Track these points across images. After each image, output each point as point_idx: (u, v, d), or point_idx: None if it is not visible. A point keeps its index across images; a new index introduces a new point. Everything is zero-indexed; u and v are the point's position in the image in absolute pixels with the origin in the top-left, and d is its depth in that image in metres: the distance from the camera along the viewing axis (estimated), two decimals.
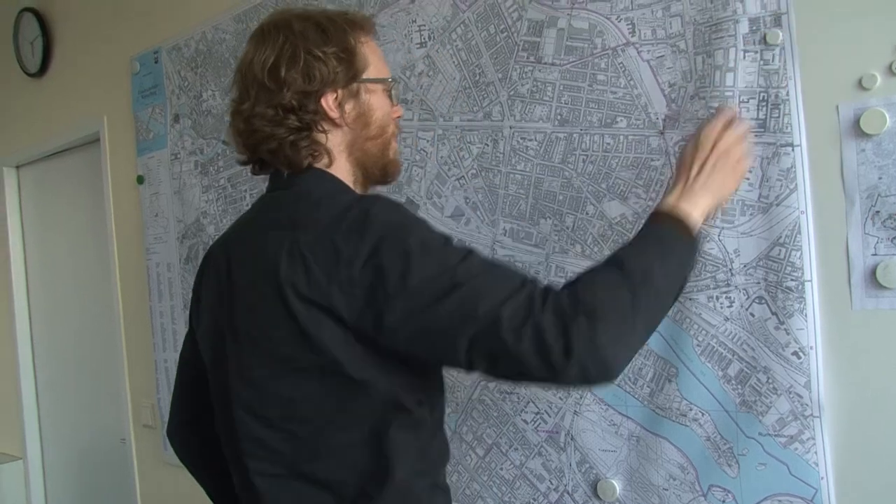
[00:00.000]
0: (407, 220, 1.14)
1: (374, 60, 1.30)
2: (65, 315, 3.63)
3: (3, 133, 3.86)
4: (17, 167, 3.86)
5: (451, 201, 1.88)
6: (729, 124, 1.24)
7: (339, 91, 1.25)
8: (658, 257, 1.10)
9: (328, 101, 1.24)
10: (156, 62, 2.77)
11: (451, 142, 1.87)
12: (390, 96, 1.33)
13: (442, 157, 1.88)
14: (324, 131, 1.25)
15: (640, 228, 1.19)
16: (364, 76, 1.27)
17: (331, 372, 1.15)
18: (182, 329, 2.70)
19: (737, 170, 1.24)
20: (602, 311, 1.01)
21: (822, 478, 1.40)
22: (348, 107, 1.26)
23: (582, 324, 1.00)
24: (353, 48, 1.26)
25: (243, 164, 1.33)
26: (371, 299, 1.09)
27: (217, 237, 1.45)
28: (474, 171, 1.82)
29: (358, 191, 1.30)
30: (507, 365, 1.05)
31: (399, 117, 1.36)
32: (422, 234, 1.12)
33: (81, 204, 3.42)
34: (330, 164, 1.27)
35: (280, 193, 1.29)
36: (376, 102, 1.29)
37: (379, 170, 1.33)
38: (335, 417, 1.18)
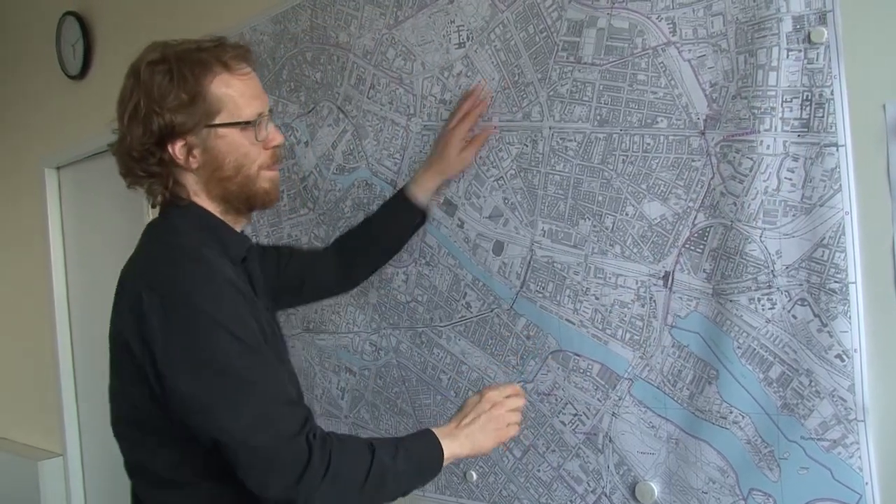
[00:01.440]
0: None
1: (232, 101, 1.32)
2: (104, 313, 3.61)
3: (45, 134, 3.92)
4: (58, 168, 3.92)
5: (489, 202, 1.88)
6: (513, 393, 1.48)
7: (185, 138, 1.30)
8: (404, 463, 1.31)
9: (175, 149, 1.30)
10: None
11: (489, 142, 1.87)
12: (257, 132, 1.35)
13: (481, 158, 1.88)
14: (175, 175, 1.33)
15: (415, 431, 1.43)
16: (216, 120, 1.30)
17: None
18: None
19: (499, 435, 1.44)
20: (337, 476, 1.23)
21: (866, 483, 1.38)
22: (196, 152, 1.31)
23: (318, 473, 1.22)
24: (201, 93, 1.29)
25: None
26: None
27: None
28: (513, 172, 1.82)
29: (230, 218, 1.40)
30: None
31: (278, 145, 1.40)
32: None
33: (120, 205, 3.45)
34: (191, 198, 1.36)
35: (157, 223, 1.40)
36: (227, 146, 1.32)
37: (243, 203, 1.39)
38: None
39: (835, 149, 1.38)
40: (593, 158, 1.69)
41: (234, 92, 1.32)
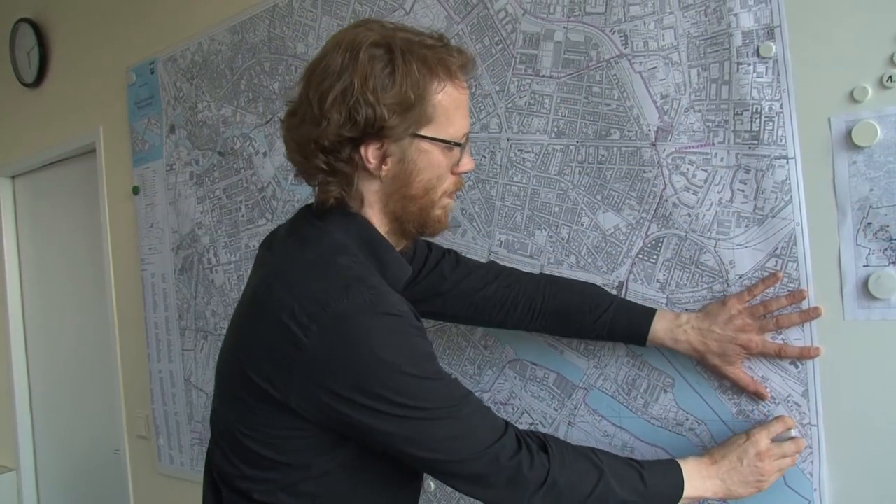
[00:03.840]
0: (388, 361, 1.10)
1: (445, 114, 1.16)
2: (59, 325, 3.63)
3: None
4: (13, 177, 3.86)
5: None
6: (784, 428, 1.39)
7: (385, 142, 1.14)
8: (631, 494, 1.21)
9: (367, 150, 1.14)
10: (152, 73, 2.77)
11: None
12: (459, 153, 1.21)
13: None
14: (358, 179, 1.17)
15: (664, 459, 1.34)
16: (422, 131, 1.15)
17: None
18: (177, 339, 2.70)
19: (758, 484, 1.33)
20: (560, 496, 1.17)
21: (814, 489, 1.40)
22: (391, 160, 1.16)
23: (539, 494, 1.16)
24: (420, 98, 1.12)
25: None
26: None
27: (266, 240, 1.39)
28: (471, 183, 1.83)
29: (392, 239, 1.24)
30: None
31: (467, 171, 1.25)
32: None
33: (77, 214, 3.42)
34: (360, 208, 1.20)
35: (307, 230, 1.23)
36: (426, 162, 1.17)
37: (416, 227, 1.23)
38: None
39: (785, 161, 1.41)
40: (550, 170, 1.70)
41: (450, 105, 1.16)
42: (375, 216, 1.21)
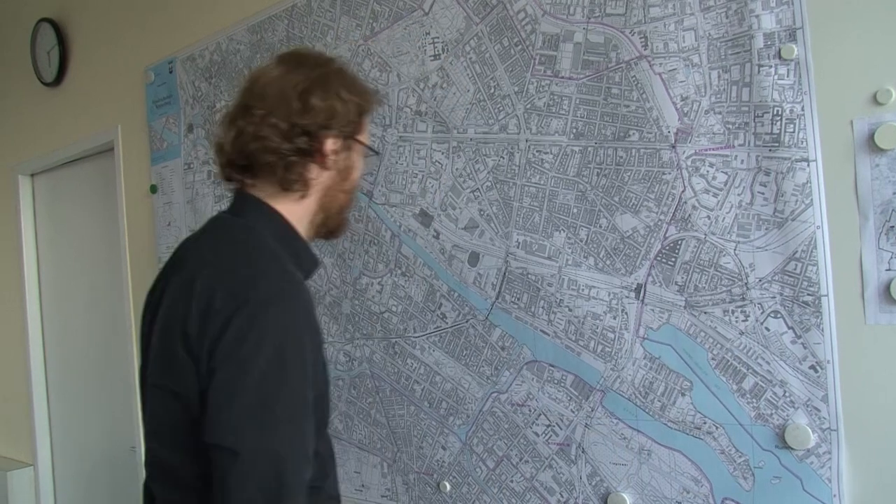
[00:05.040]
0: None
1: (366, 129, 1.40)
2: (77, 323, 3.65)
3: (19, 141, 3.89)
4: (32, 175, 3.89)
5: (465, 213, 1.88)
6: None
7: (341, 139, 1.33)
8: None
9: (329, 143, 1.30)
10: (170, 72, 2.79)
11: (466, 154, 1.87)
12: (363, 166, 1.43)
13: (457, 170, 1.89)
14: (315, 166, 1.32)
15: None
16: (360, 137, 1.37)
17: None
18: None
19: None
20: None
21: (834, 495, 1.39)
22: (342, 155, 1.34)
23: None
24: (365, 110, 1.37)
25: (221, 166, 1.37)
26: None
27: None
28: (489, 184, 1.83)
29: (310, 232, 1.39)
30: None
31: (357, 184, 1.45)
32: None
33: (95, 212, 3.44)
34: (304, 196, 1.33)
35: (229, 221, 1.37)
36: (358, 164, 1.39)
37: (336, 222, 1.42)
38: None
39: (805, 164, 1.40)
40: (569, 171, 1.70)
41: (367, 128, 1.41)
42: (309, 205, 1.36)
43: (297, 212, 1.35)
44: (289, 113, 1.27)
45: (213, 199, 2.60)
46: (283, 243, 1.31)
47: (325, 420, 1.34)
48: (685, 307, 1.54)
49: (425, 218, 1.96)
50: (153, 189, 2.89)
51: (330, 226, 1.41)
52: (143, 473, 1.34)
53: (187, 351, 1.18)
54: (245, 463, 1.11)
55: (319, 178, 1.33)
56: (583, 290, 1.69)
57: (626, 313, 1.63)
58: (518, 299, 1.79)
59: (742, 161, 1.47)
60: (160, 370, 1.25)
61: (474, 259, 1.87)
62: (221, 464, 1.13)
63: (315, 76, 1.30)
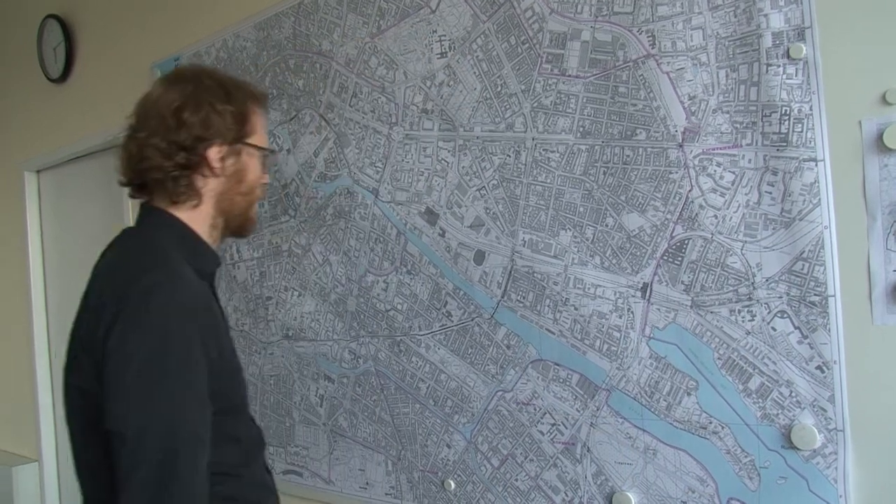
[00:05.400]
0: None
1: (260, 131, 1.45)
2: None
3: (25, 137, 3.89)
4: (38, 171, 3.89)
5: (471, 211, 1.88)
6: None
7: (226, 146, 1.38)
8: None
9: (213, 152, 1.36)
10: None
11: (472, 152, 1.87)
12: (263, 165, 1.47)
13: (463, 168, 1.89)
14: (202, 176, 1.38)
15: None
16: (249, 140, 1.41)
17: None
18: None
19: None
20: None
21: (840, 496, 1.39)
22: (229, 161, 1.39)
23: None
24: (247, 114, 1.41)
25: (122, 185, 1.45)
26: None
27: None
28: (495, 182, 1.82)
29: (214, 234, 1.44)
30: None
31: (265, 184, 1.51)
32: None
33: (100, 209, 3.44)
34: (198, 205, 1.39)
35: (129, 233, 1.47)
36: (252, 166, 1.43)
37: (238, 223, 1.47)
38: None
39: (814, 164, 1.40)
40: (575, 170, 1.70)
41: (260, 124, 1.45)
42: (205, 212, 1.41)
43: (196, 218, 1.40)
44: (166, 131, 1.34)
45: None
46: (182, 246, 1.38)
47: (241, 405, 1.41)
48: (691, 307, 1.54)
49: (431, 216, 1.96)
50: None
51: (233, 227, 1.47)
52: None
53: (90, 353, 1.26)
54: (132, 442, 1.16)
55: (208, 186, 1.39)
56: (589, 288, 1.69)
57: (632, 312, 1.63)
58: (524, 298, 1.79)
59: (749, 160, 1.46)
60: (75, 372, 1.33)
61: (480, 257, 1.87)
62: (115, 448, 1.19)
63: (188, 92, 1.36)
